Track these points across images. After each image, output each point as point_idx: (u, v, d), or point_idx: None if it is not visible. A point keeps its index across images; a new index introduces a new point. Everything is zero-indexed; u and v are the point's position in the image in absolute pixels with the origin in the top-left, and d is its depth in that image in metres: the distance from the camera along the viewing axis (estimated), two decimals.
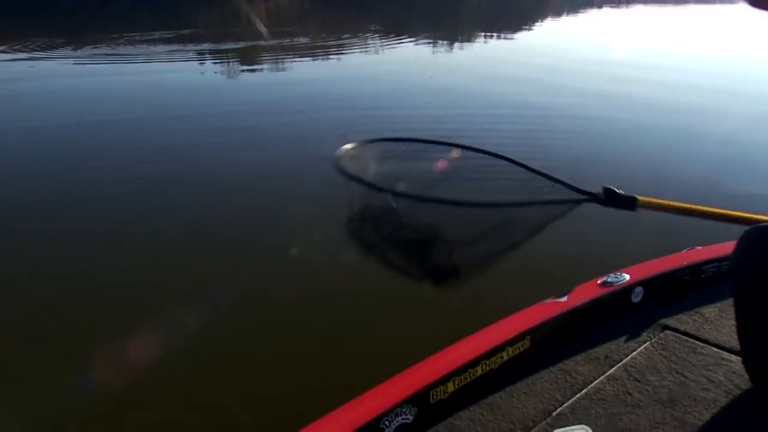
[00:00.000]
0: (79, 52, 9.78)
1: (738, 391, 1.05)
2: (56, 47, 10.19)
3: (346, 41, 11.56)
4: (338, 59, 9.50)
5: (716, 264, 1.45)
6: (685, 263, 1.44)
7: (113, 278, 2.48)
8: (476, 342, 1.10)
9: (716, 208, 1.15)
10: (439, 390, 0.98)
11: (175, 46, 10.61)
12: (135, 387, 1.74)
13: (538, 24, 18.34)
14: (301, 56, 9.26)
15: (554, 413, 0.99)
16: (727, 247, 1.41)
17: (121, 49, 10.07)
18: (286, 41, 11.15)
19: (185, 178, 3.74)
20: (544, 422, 0.96)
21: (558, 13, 23.20)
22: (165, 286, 2.43)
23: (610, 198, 1.14)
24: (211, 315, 2.04)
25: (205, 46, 10.68)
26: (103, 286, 2.43)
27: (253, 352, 2.01)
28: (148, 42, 11.13)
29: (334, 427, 0.88)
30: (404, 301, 2.10)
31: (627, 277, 1.35)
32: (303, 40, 11.78)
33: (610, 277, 1.35)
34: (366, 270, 1.80)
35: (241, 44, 10.90)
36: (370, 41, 11.74)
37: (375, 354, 1.88)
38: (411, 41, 12.04)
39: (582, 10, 23.90)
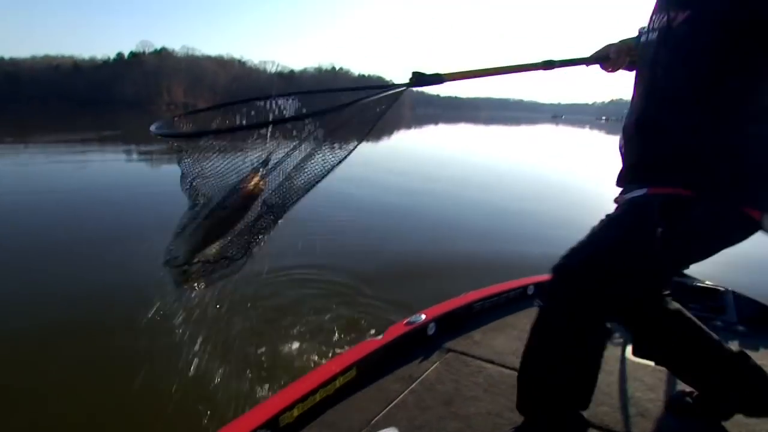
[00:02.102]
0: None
1: (492, 389, 1.45)
2: None
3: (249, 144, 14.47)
4: None
5: (481, 302, 1.99)
6: (463, 303, 1.93)
7: None
8: (315, 375, 1.36)
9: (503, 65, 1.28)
10: (286, 415, 1.21)
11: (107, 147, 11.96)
12: None
13: (395, 134, 23.86)
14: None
15: (372, 422, 1.25)
16: (489, 290, 2.07)
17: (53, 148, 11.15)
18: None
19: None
20: (365, 429, 1.23)
21: (408, 127, 30.91)
22: None
23: (420, 80, 1.18)
24: None
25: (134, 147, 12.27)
26: None
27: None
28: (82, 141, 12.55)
29: None
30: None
31: (423, 317, 1.76)
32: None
33: (412, 318, 1.74)
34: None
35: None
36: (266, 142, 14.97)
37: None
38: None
39: (425, 126, 32.10)
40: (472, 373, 1.57)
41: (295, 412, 1.24)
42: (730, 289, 2.12)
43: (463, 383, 1.49)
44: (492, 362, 1.64)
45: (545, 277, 1.82)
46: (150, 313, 2.18)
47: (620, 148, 1.15)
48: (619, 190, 1.15)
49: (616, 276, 1.01)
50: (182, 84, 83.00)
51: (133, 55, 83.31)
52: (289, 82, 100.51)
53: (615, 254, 1.02)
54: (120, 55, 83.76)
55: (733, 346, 1.46)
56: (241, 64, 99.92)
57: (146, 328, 2.21)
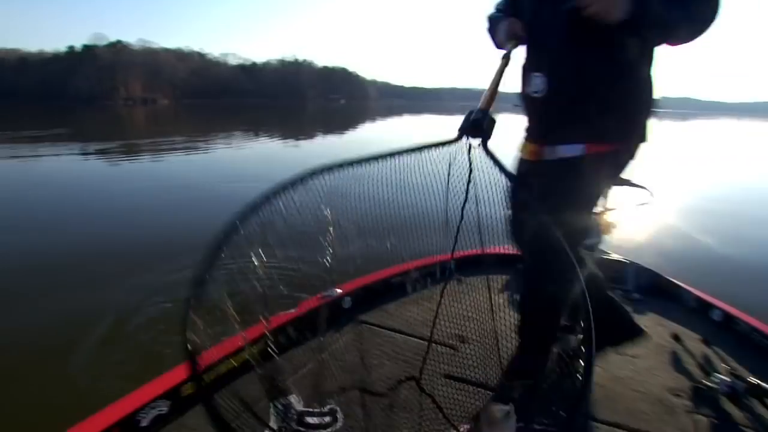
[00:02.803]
0: None
1: (397, 356, 1.54)
2: None
3: (212, 139, 13.39)
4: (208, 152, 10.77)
5: (400, 276, 2.05)
6: (380, 278, 2.00)
7: None
8: (222, 347, 1.35)
9: None
10: (188, 386, 1.26)
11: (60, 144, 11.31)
12: None
13: (360, 125, 24.32)
14: (175, 151, 10.50)
15: (277, 390, 1.30)
16: (409, 265, 2.04)
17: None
18: (161, 139, 12.48)
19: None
20: (268, 397, 1.26)
21: (373, 119, 31.08)
22: None
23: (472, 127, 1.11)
24: None
25: (91, 145, 11.45)
26: None
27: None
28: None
29: (100, 422, 1.10)
30: None
31: (339, 291, 1.80)
32: (178, 138, 13.36)
33: (328, 292, 1.78)
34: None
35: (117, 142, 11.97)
36: (233, 138, 13.94)
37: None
38: (267, 138, 14.73)
39: (390, 117, 32.19)
40: (380, 343, 1.64)
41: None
42: (634, 261, 2.27)
43: (371, 352, 1.56)
44: (401, 332, 1.72)
45: (467, 252, 1.92)
46: None
47: (533, 113, 1.31)
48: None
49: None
50: (140, 78, 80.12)
51: (86, 48, 79.62)
52: (251, 75, 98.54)
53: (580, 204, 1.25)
54: (71, 49, 79.94)
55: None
56: (201, 56, 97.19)
57: None
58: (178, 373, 1.27)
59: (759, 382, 1.39)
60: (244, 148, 12.05)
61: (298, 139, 14.64)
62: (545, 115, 1.26)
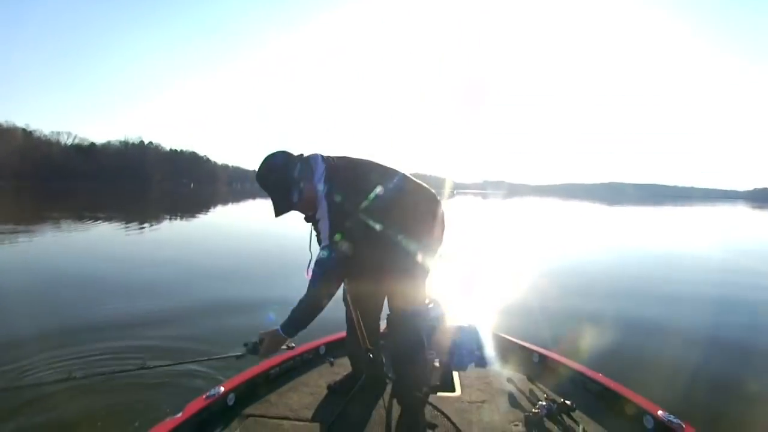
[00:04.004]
0: None
1: None
2: None
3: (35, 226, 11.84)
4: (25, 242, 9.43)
5: (278, 366, 2.09)
6: (260, 371, 2.01)
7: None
8: None
9: None
10: None
11: None
12: None
13: (212, 209, 23.88)
14: None
15: None
16: (284, 355, 2.12)
17: None
18: None
19: None
20: None
21: (225, 202, 30.92)
22: None
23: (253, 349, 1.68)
24: None
25: None
26: None
27: None
28: None
29: None
30: None
31: (222, 388, 1.82)
32: None
33: (212, 391, 1.79)
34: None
35: None
36: (62, 224, 12.79)
37: None
38: (104, 222, 13.64)
39: (242, 201, 32.25)
40: (266, 430, 1.71)
41: None
42: (473, 325, 2.54)
43: None
44: (287, 418, 1.81)
45: (333, 336, 2.49)
46: None
47: None
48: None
49: None
50: None
51: None
52: (89, 157, 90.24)
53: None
54: None
55: (473, 365, 2.30)
56: (26, 134, 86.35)
57: None
58: None
59: (564, 400, 1.79)
60: (78, 233, 11.33)
61: (142, 225, 13.99)
62: None
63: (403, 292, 1.80)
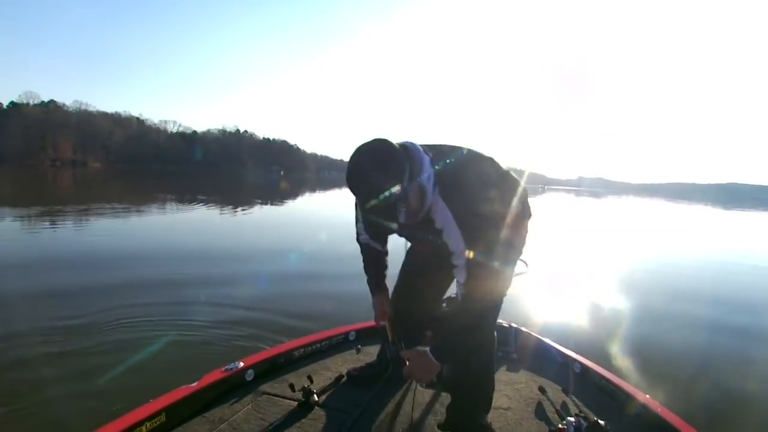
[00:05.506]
0: None
1: (297, 423, 1.63)
2: None
3: (145, 206, 13.01)
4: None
5: (303, 348, 2.13)
6: (283, 350, 2.07)
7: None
8: (120, 422, 1.38)
9: None
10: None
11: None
12: None
13: (299, 197, 24.68)
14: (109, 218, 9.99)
15: None
16: (312, 337, 2.21)
17: None
18: (93, 207, 11.83)
19: None
20: None
21: (313, 190, 31.86)
22: None
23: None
24: None
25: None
26: None
27: None
28: None
29: None
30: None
31: (242, 364, 1.85)
32: (107, 206, 12.46)
33: (230, 365, 1.82)
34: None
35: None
36: (167, 206, 13.78)
37: None
38: (203, 206, 14.50)
39: (329, 189, 33.14)
40: (280, 412, 1.71)
41: None
42: (514, 325, 2.50)
43: (270, 421, 1.64)
44: (300, 401, 1.80)
45: (366, 323, 2.40)
46: None
47: None
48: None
49: None
50: (71, 140, 77.13)
51: (13, 104, 76.40)
52: (191, 143, 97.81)
53: None
54: None
55: (505, 368, 2.17)
56: (139, 122, 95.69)
57: None
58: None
59: (597, 419, 1.65)
60: (181, 213, 12.08)
61: (236, 209, 14.62)
62: None
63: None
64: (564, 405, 1.87)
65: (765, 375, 3.40)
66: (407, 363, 1.47)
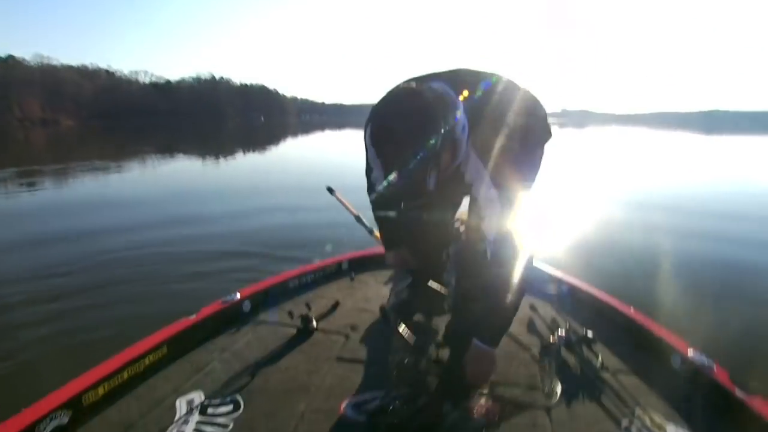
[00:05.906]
0: None
1: (296, 348, 1.66)
2: None
3: (125, 162, 12.59)
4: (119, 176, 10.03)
5: (297, 278, 2.19)
6: (278, 281, 2.09)
7: None
8: (123, 355, 1.40)
9: None
10: (90, 394, 1.25)
11: None
12: None
13: (282, 141, 24.34)
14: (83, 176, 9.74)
15: (180, 389, 1.39)
16: (306, 267, 2.25)
17: None
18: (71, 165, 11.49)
19: None
20: (173, 395, 1.35)
21: (295, 134, 31.39)
22: None
23: None
24: None
25: None
26: None
27: None
28: None
29: None
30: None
31: (238, 295, 1.87)
32: (83, 162, 12.21)
33: (227, 297, 1.84)
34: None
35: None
36: (147, 160, 13.25)
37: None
38: (184, 158, 14.32)
39: (311, 133, 32.71)
40: (280, 339, 1.74)
41: (101, 391, 1.29)
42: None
43: (271, 348, 1.67)
44: (298, 327, 1.83)
45: (358, 253, 2.48)
46: None
47: None
48: None
49: None
50: (38, 97, 73.78)
51: None
52: (165, 94, 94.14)
53: None
54: None
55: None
56: (109, 74, 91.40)
57: None
58: (80, 382, 1.28)
59: (586, 331, 1.71)
60: (163, 167, 11.88)
61: (217, 158, 14.50)
62: None
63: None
64: (554, 321, 1.94)
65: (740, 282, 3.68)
66: (468, 370, 1.35)
